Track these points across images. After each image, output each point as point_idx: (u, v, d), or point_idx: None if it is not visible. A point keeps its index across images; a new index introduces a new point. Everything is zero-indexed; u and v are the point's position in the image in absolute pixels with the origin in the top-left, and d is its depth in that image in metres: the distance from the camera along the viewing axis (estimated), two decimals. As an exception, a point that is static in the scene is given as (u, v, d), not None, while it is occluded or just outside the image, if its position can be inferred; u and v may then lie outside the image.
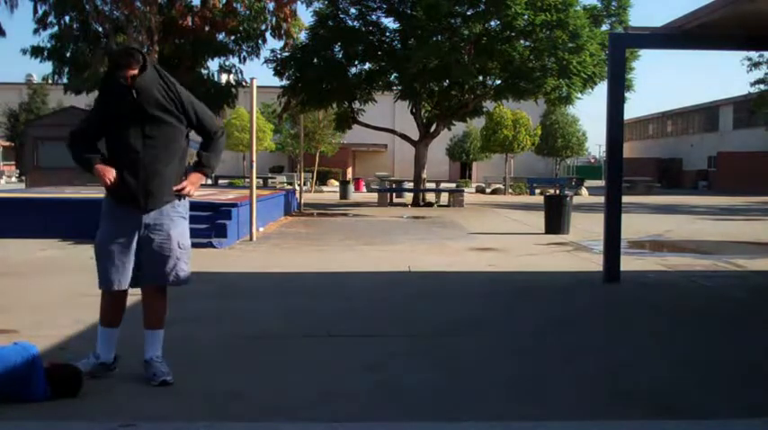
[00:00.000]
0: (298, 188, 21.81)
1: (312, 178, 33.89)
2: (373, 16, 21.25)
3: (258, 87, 12.17)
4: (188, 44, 20.37)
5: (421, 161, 22.88)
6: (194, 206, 11.00)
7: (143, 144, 3.83)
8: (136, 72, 3.75)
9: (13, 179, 40.25)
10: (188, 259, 4.07)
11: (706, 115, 47.68)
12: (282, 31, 21.28)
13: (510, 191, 33.66)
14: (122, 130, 3.84)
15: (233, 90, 22.44)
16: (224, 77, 22.93)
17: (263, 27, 21.57)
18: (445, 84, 21.13)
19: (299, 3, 21.46)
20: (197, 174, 4.08)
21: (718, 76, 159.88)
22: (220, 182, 31.64)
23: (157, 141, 3.85)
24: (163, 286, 4.06)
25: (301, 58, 20.97)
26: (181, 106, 3.91)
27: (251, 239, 11.64)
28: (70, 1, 19.38)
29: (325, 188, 36.02)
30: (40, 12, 20.06)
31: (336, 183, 34.20)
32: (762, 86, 33.60)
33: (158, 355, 4.04)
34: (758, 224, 17.34)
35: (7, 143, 44.99)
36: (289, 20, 20.99)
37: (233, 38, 21.59)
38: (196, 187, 4.06)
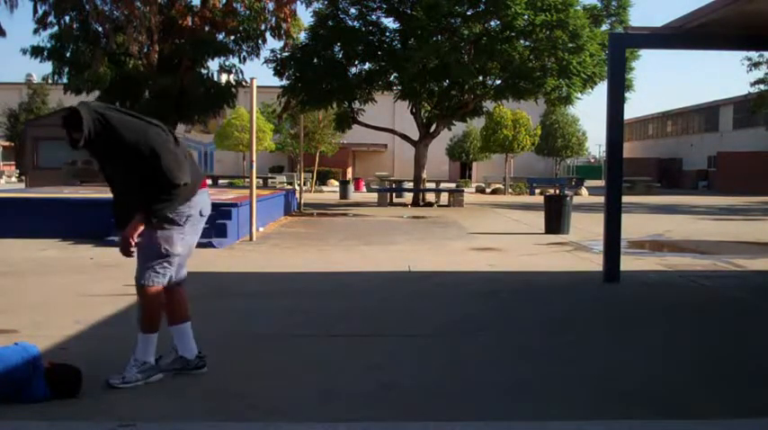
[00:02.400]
0: (297, 188, 21.80)
1: (312, 178, 33.89)
2: (373, 16, 21.25)
3: (258, 87, 12.16)
4: (188, 44, 20.35)
5: (421, 161, 22.88)
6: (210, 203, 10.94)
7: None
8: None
9: (13, 179, 40.24)
10: (150, 265, 3.92)
11: (706, 115, 47.66)
12: (282, 32, 21.29)
13: (510, 191, 33.65)
14: None
15: (233, 90, 22.42)
16: (224, 77, 22.92)
17: (263, 27, 21.57)
18: (445, 84, 21.12)
19: (298, 3, 21.46)
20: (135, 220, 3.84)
21: (718, 76, 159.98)
22: (220, 182, 31.70)
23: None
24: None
25: (301, 58, 20.97)
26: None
27: (251, 239, 11.64)
28: (70, 1, 19.36)
29: (325, 188, 36.02)
30: (40, 12, 20.07)
31: (336, 183, 34.20)
32: (762, 86, 33.60)
33: (134, 358, 4.02)
34: (758, 224, 17.34)
35: (7, 143, 44.97)
36: (288, 20, 20.99)
37: (233, 38, 21.59)
38: (131, 232, 3.83)
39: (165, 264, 3.95)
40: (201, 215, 4.13)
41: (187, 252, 4.10)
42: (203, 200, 4.11)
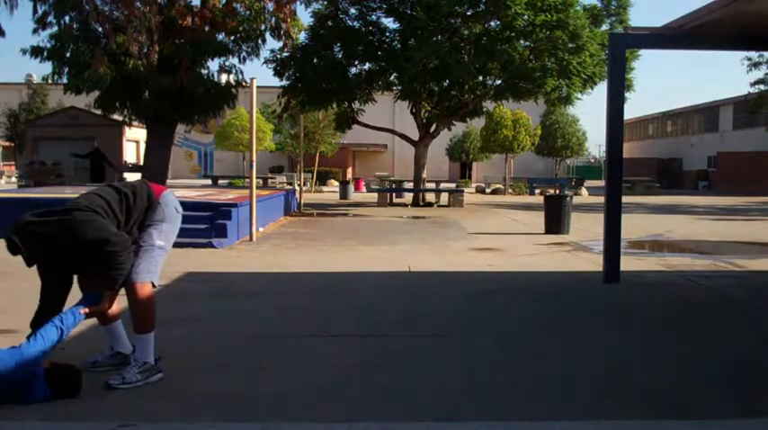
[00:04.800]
0: (297, 188, 21.80)
1: (312, 178, 33.88)
2: (373, 16, 21.24)
3: (258, 87, 12.17)
4: (188, 44, 20.33)
5: (421, 161, 22.87)
6: (194, 206, 10.98)
7: None
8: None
9: (13, 179, 40.23)
10: (137, 263, 4.09)
11: (706, 115, 47.67)
12: (282, 32, 21.25)
13: (510, 191, 33.65)
14: None
15: (233, 90, 22.40)
16: (224, 77, 22.88)
17: (263, 27, 21.54)
18: (445, 84, 21.11)
19: (298, 3, 21.39)
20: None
21: (718, 75, 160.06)
22: (220, 182, 31.70)
23: None
24: None
25: (301, 58, 20.97)
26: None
27: (251, 239, 11.64)
28: (70, 1, 19.34)
29: (325, 188, 36.01)
30: (40, 12, 20.02)
31: (336, 184, 34.19)
32: (762, 86, 33.60)
33: (133, 358, 4.20)
34: (758, 224, 17.34)
35: (7, 143, 44.97)
36: (288, 20, 20.95)
37: (233, 38, 21.55)
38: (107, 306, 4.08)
39: (149, 259, 4.06)
40: (177, 211, 4.27)
41: (168, 247, 4.22)
42: (172, 199, 4.27)
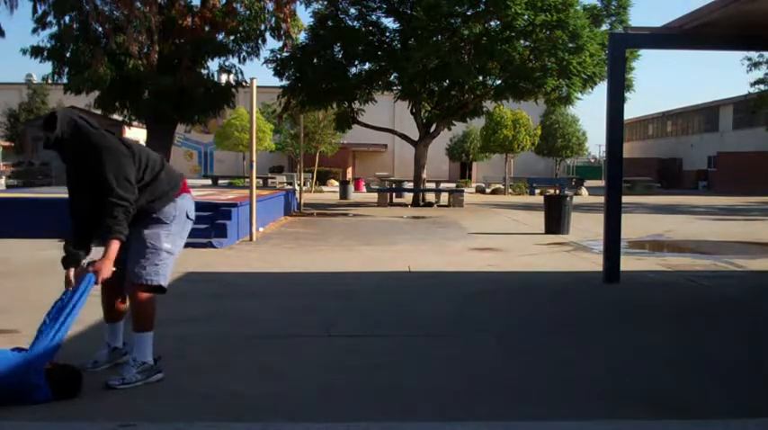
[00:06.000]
0: (297, 188, 21.81)
1: (312, 178, 33.88)
2: (373, 16, 21.25)
3: (258, 87, 12.17)
4: (188, 44, 20.36)
5: (421, 161, 22.88)
6: (194, 206, 10.87)
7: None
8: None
9: (12, 180, 40.19)
10: (142, 264, 4.07)
11: (706, 115, 47.68)
12: (282, 32, 21.28)
13: (510, 191, 33.66)
14: None
15: (233, 90, 22.42)
16: (224, 77, 22.91)
17: (263, 27, 21.58)
18: (445, 84, 21.13)
19: (297, 3, 21.44)
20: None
21: (718, 75, 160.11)
22: (220, 182, 31.69)
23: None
24: None
25: (301, 58, 20.98)
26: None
27: (251, 239, 11.64)
28: (70, 1, 19.36)
29: (325, 188, 36.01)
30: (40, 12, 20.04)
31: (336, 184, 34.19)
32: (762, 86, 33.61)
33: (132, 358, 4.15)
34: (758, 224, 17.34)
35: (7, 143, 44.96)
36: (288, 20, 20.99)
37: (233, 38, 21.59)
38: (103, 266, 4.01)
39: (157, 262, 4.03)
40: (188, 218, 4.23)
41: (175, 251, 4.18)
42: (188, 204, 4.23)
